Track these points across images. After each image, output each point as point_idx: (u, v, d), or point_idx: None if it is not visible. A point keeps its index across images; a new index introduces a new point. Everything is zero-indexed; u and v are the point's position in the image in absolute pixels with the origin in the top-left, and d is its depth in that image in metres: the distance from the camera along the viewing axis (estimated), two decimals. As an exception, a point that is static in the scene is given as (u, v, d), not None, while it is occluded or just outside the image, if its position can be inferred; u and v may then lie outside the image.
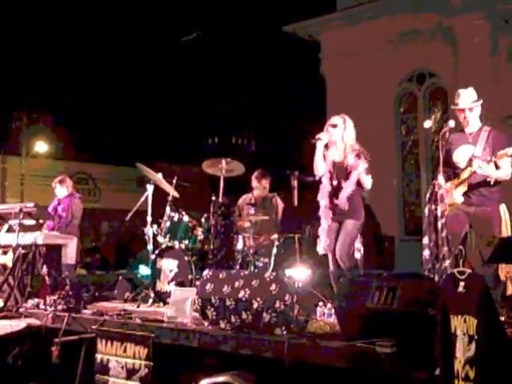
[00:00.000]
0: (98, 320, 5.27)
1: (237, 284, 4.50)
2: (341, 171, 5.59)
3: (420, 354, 3.47)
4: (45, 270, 7.25)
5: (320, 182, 5.71)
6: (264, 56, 22.10)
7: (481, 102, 5.32)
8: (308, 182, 6.15)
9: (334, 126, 5.60)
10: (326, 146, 5.67)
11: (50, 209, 8.04)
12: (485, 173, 5.05)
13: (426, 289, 3.78)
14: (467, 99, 5.30)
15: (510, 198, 5.36)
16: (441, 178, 5.14)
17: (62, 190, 8.14)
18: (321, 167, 5.65)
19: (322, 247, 5.62)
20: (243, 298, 4.40)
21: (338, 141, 5.60)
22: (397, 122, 12.81)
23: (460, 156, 5.29)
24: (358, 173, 5.44)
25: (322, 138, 5.60)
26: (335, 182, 5.59)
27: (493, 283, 4.78)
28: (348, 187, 5.50)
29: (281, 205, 7.34)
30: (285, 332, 4.25)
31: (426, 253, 5.05)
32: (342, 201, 5.48)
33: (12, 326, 5.66)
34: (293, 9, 13.98)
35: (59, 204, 8.13)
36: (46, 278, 7.14)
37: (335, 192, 5.58)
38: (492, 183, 5.07)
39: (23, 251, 6.66)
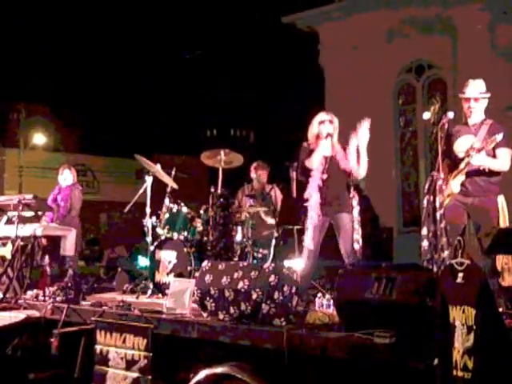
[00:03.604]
0: (97, 311, 5.26)
1: (236, 275, 4.51)
2: (331, 165, 5.69)
3: (418, 344, 3.48)
4: (47, 260, 7.27)
5: (308, 176, 5.75)
6: (263, 47, 22.06)
7: (488, 95, 5.33)
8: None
9: (325, 122, 5.74)
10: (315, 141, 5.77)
11: (49, 198, 8.05)
12: (478, 163, 5.07)
13: (425, 280, 3.78)
14: (475, 89, 5.32)
15: (509, 190, 5.36)
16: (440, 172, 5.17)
17: (69, 177, 8.14)
18: (317, 161, 5.71)
19: (310, 241, 5.64)
20: (242, 289, 4.40)
21: (328, 137, 5.72)
22: (395, 114, 12.80)
23: (460, 146, 5.30)
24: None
25: (334, 134, 5.76)
26: (325, 176, 5.67)
27: (489, 274, 4.79)
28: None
29: (279, 196, 7.35)
30: (284, 323, 4.26)
31: (425, 244, 5.05)
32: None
33: (11, 318, 5.66)
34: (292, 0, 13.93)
35: (59, 193, 8.14)
36: (47, 268, 7.16)
37: (325, 186, 5.65)
38: (487, 170, 5.08)
39: (22, 243, 6.66)
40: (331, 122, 5.75)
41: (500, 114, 8.82)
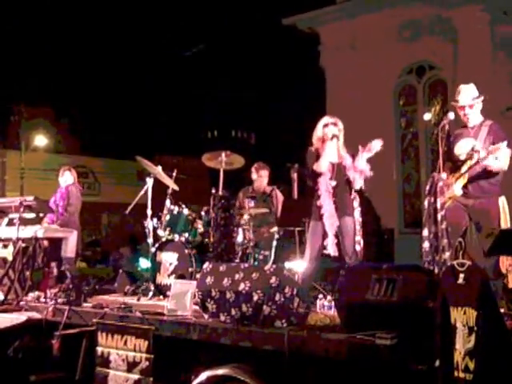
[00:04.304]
0: (98, 313, 5.27)
1: (237, 277, 4.50)
2: (339, 172, 5.69)
3: (420, 346, 3.48)
4: (53, 263, 7.28)
5: (315, 182, 5.74)
6: (264, 48, 22.06)
7: (482, 98, 5.32)
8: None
9: (335, 124, 5.72)
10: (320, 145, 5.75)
11: (51, 201, 8.05)
12: (485, 163, 5.07)
13: (426, 281, 3.78)
14: (467, 96, 5.31)
15: (510, 191, 5.36)
16: (443, 175, 5.18)
17: (69, 179, 8.15)
18: (325, 165, 5.69)
19: (334, 247, 5.65)
20: (243, 291, 4.40)
21: (336, 141, 5.71)
22: (396, 115, 12.81)
23: (461, 149, 5.31)
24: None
25: (339, 136, 5.73)
26: (334, 183, 5.66)
27: (493, 275, 4.78)
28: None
29: (280, 197, 7.34)
30: (285, 324, 4.26)
31: (426, 245, 5.06)
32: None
33: (12, 320, 5.67)
34: (292, 1, 13.94)
35: (59, 193, 8.15)
36: (55, 270, 7.16)
37: (335, 192, 5.66)
38: (494, 171, 5.08)
39: (23, 245, 6.67)
40: (335, 124, 5.74)
41: (500, 114, 8.84)
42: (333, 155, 5.70)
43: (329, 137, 5.69)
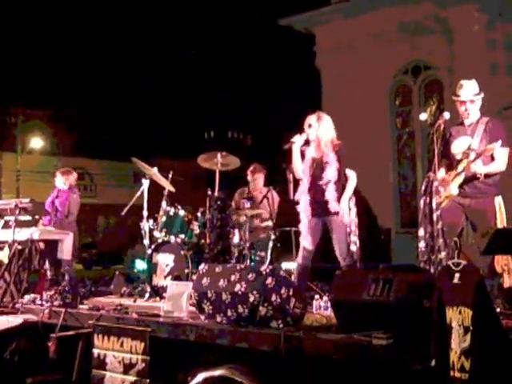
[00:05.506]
0: (94, 315, 5.26)
1: (233, 278, 4.50)
2: (319, 167, 5.66)
3: (416, 345, 3.48)
4: (47, 265, 7.26)
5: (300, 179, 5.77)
6: (260, 49, 22.09)
7: (482, 95, 5.31)
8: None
9: (310, 125, 5.70)
10: (308, 143, 5.72)
11: (48, 201, 8.05)
12: (473, 169, 5.08)
13: (422, 281, 3.79)
14: (469, 91, 5.29)
15: (506, 190, 5.36)
16: (442, 171, 5.18)
17: (60, 181, 8.16)
18: (299, 168, 5.73)
19: (309, 242, 5.65)
20: (239, 292, 4.40)
21: (314, 139, 5.69)
22: (392, 115, 12.83)
23: (458, 147, 5.30)
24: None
25: (296, 141, 5.71)
26: (311, 179, 5.66)
27: (488, 274, 4.79)
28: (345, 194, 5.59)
29: (277, 198, 7.34)
30: (281, 325, 4.26)
31: (422, 245, 5.06)
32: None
33: (8, 322, 5.66)
34: (288, 2, 13.97)
35: (57, 197, 8.14)
36: (48, 272, 7.15)
37: (314, 188, 5.65)
38: (482, 178, 5.09)
39: (19, 247, 6.65)
40: (309, 126, 5.69)
41: (496, 114, 8.85)
42: (297, 161, 5.71)
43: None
